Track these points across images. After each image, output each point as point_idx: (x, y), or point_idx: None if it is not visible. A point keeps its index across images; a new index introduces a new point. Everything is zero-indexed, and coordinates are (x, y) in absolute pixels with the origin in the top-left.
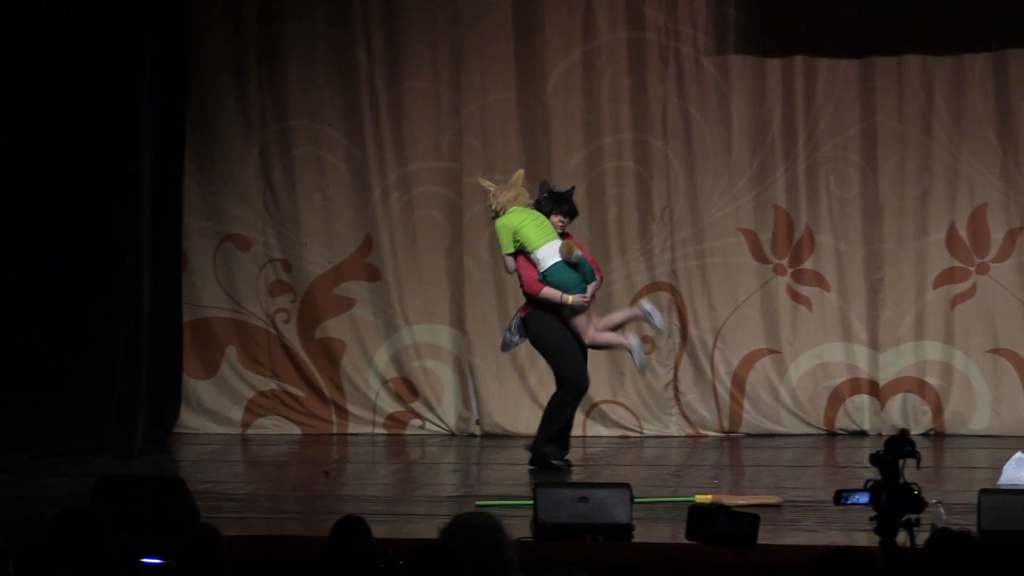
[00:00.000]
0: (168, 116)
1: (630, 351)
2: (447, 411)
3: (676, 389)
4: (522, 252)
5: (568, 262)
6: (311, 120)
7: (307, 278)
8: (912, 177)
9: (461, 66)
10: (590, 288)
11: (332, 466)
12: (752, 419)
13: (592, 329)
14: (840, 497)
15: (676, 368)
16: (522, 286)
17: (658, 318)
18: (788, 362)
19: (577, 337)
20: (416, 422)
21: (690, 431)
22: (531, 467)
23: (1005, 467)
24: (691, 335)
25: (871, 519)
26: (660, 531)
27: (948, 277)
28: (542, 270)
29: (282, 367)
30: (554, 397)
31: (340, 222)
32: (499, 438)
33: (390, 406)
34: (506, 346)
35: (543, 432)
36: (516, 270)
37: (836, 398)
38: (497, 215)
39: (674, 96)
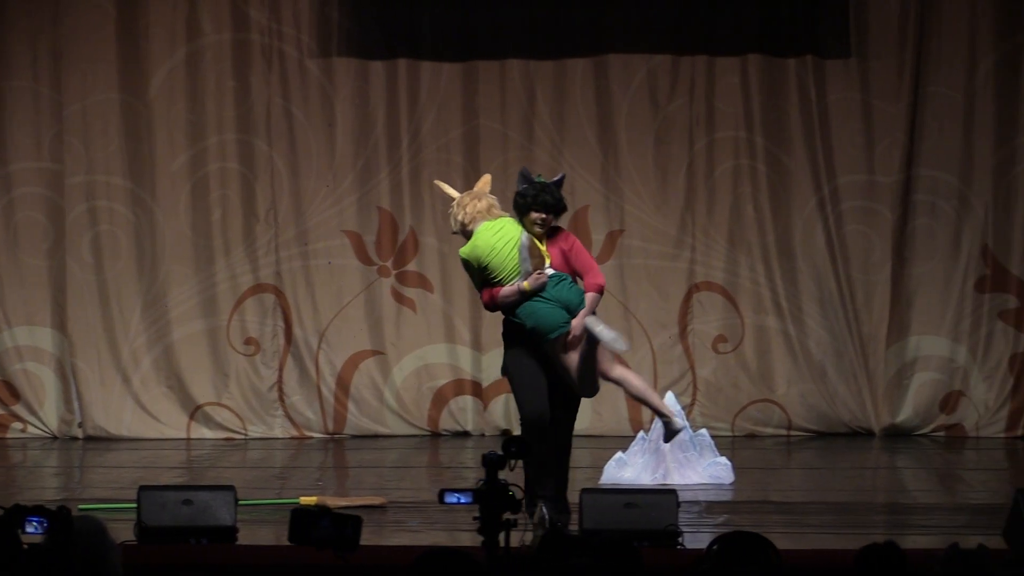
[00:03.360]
0: None
1: (667, 421)
2: (49, 414)
3: (280, 391)
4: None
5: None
6: None
7: None
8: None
9: (62, 66)
10: (578, 318)
11: None
12: (356, 420)
13: (609, 365)
14: (443, 497)
15: (280, 370)
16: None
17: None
18: (392, 364)
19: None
20: (17, 425)
21: (295, 432)
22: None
23: (606, 467)
24: (296, 336)
25: (475, 519)
26: (264, 533)
27: None
28: (515, 308)
29: None
30: None
31: None
32: (102, 441)
33: None
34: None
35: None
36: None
37: (440, 399)
38: (464, 228)
39: (278, 97)
